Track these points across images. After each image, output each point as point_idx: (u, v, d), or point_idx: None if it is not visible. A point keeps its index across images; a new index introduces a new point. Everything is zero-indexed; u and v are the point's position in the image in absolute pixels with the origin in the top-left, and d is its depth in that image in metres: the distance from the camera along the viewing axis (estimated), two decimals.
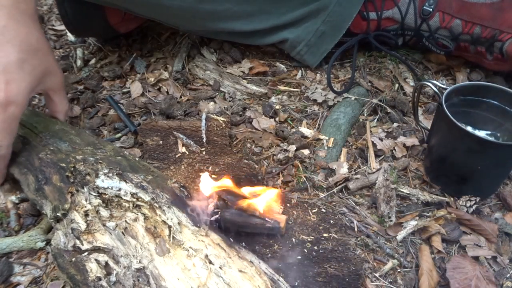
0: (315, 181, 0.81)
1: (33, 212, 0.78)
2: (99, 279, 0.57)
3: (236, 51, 1.09)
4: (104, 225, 0.63)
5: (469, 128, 0.71)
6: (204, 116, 0.91)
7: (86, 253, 0.60)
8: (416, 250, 0.72)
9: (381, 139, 0.88)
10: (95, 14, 1.02)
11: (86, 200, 0.65)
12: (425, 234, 0.73)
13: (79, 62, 1.12)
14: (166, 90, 1.03)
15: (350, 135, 0.91)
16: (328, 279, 0.65)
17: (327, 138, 0.88)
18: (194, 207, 0.66)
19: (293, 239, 0.71)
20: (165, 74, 1.06)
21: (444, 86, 0.75)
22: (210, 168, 0.82)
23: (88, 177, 0.67)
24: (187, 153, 0.85)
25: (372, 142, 0.87)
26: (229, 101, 1.00)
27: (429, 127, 0.83)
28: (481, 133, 0.74)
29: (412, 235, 0.74)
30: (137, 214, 0.64)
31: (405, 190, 0.78)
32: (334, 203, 0.78)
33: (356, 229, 0.74)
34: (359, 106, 0.95)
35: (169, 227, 0.62)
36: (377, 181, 0.78)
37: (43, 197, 0.68)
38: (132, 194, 0.65)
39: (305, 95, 1.00)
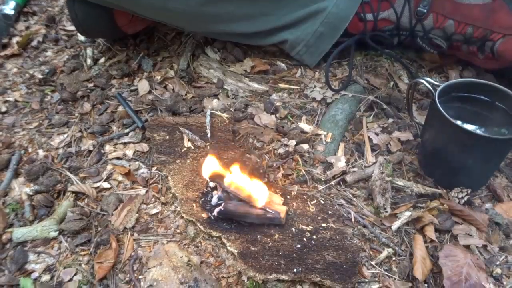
0: (314, 174, 0.81)
1: (47, 203, 0.79)
2: None
3: (239, 51, 1.09)
4: None
5: (460, 123, 0.71)
6: (208, 112, 0.91)
7: None
8: (410, 240, 0.72)
9: (377, 134, 0.88)
10: (103, 16, 1.01)
11: None
12: (419, 224, 0.73)
13: (89, 61, 1.12)
14: (172, 87, 1.03)
15: (348, 130, 0.91)
16: (326, 266, 0.65)
17: (325, 133, 0.88)
18: None
19: (293, 229, 0.71)
20: (171, 73, 1.06)
21: (437, 83, 0.75)
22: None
23: None
24: (193, 147, 0.86)
25: (368, 137, 0.87)
26: (232, 98, 1.00)
27: (422, 123, 0.83)
28: (473, 128, 0.74)
29: (406, 225, 0.74)
30: None
31: (400, 182, 0.79)
32: (332, 195, 0.78)
33: (353, 220, 0.74)
34: (356, 102, 0.95)
35: None
36: (373, 174, 0.78)
37: None
38: None
39: (304, 92, 0.99)
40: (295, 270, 0.65)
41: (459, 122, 0.70)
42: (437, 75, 1.03)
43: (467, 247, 0.70)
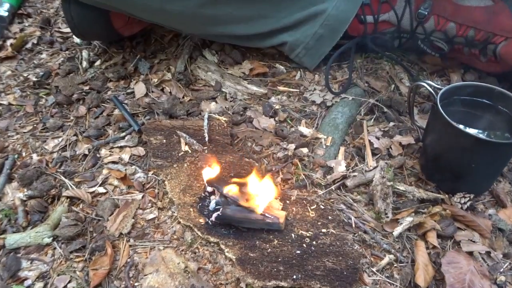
0: (313, 179, 0.81)
1: (40, 209, 0.79)
2: None
3: (237, 53, 1.09)
4: None
5: (462, 127, 0.71)
6: (206, 115, 0.91)
7: None
8: (412, 246, 0.72)
9: (377, 138, 0.88)
10: (99, 19, 1.02)
11: None
12: (421, 230, 0.73)
13: (84, 64, 1.12)
14: (169, 90, 1.03)
15: (348, 134, 0.91)
16: (326, 272, 0.65)
17: (325, 137, 0.88)
18: None
19: (293, 234, 0.71)
20: (168, 75, 1.06)
21: (438, 86, 0.75)
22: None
23: None
24: (190, 151, 0.85)
25: (369, 140, 0.87)
26: (230, 101, 1.00)
27: (424, 126, 0.83)
28: (475, 132, 0.74)
29: (408, 231, 0.74)
30: None
31: (401, 187, 0.78)
32: (332, 200, 0.78)
33: (353, 225, 0.74)
34: (356, 106, 0.95)
35: None
36: (374, 179, 0.78)
37: None
38: None
39: (304, 95, 1.00)
40: (294, 276, 0.65)
41: (461, 126, 0.70)
42: (439, 78, 1.04)
43: (470, 253, 0.70)
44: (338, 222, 0.73)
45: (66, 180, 0.83)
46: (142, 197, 0.80)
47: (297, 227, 0.72)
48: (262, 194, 0.71)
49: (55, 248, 0.73)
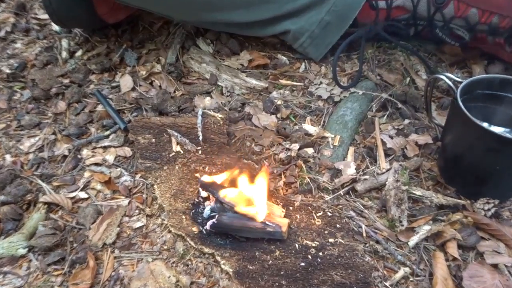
0: (320, 183, 0.81)
1: (14, 216, 0.78)
2: None
3: (235, 42, 1.09)
4: None
5: (486, 125, 0.70)
6: (200, 112, 0.91)
7: None
8: (429, 257, 0.71)
9: (391, 137, 0.88)
10: (81, 3, 1.01)
11: None
12: (440, 239, 0.73)
13: (64, 54, 1.12)
14: (158, 84, 1.03)
15: (358, 132, 0.90)
16: (334, 287, 0.65)
17: (332, 136, 0.88)
18: None
19: (296, 245, 0.71)
20: (158, 67, 1.06)
21: (459, 80, 0.75)
22: (206, 169, 0.82)
23: None
24: (182, 152, 0.85)
25: (382, 140, 0.87)
26: (227, 96, 1.00)
27: (443, 124, 0.83)
28: (500, 130, 0.74)
29: (425, 240, 0.73)
30: None
31: (418, 192, 0.78)
32: (340, 206, 0.78)
33: (364, 234, 0.74)
34: (367, 101, 0.95)
35: None
36: (387, 183, 0.78)
37: None
38: None
39: (308, 89, 0.99)
40: None
41: (484, 124, 0.70)
42: (459, 70, 1.04)
43: (495, 266, 0.70)
44: (347, 231, 0.73)
45: (44, 184, 0.83)
46: (129, 203, 0.80)
47: (302, 236, 0.72)
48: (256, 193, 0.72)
49: (30, 260, 0.73)
